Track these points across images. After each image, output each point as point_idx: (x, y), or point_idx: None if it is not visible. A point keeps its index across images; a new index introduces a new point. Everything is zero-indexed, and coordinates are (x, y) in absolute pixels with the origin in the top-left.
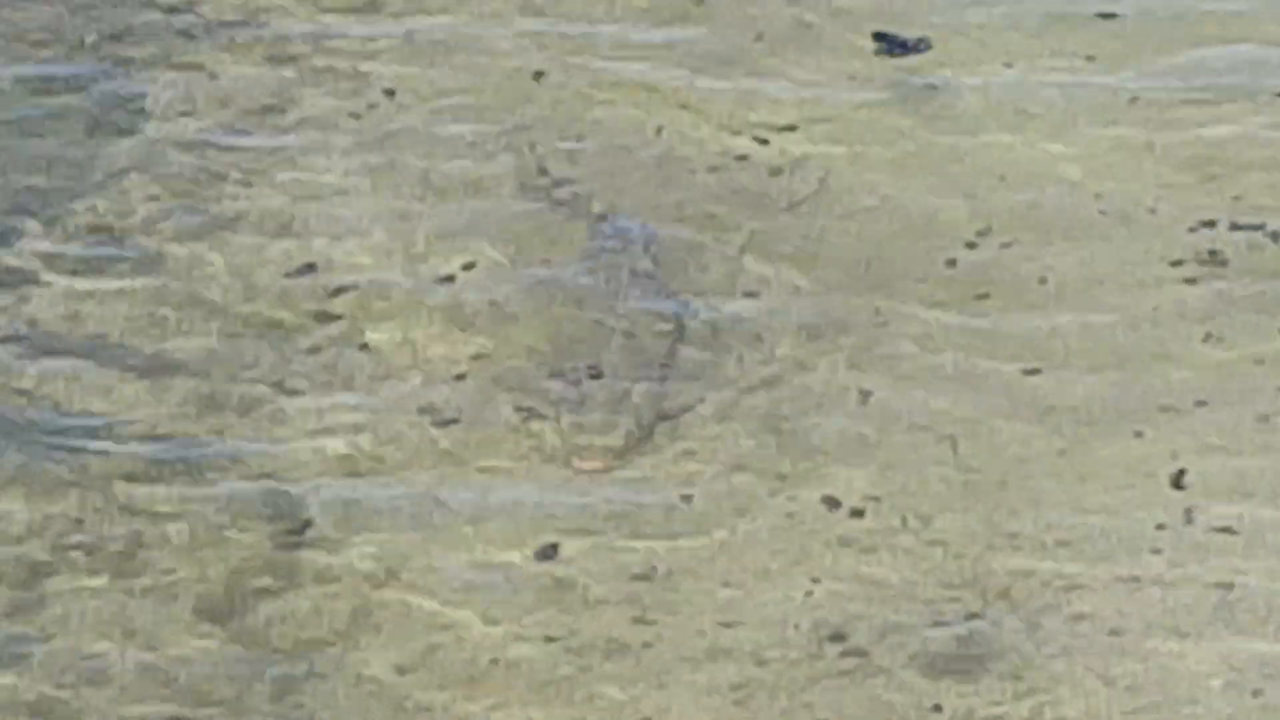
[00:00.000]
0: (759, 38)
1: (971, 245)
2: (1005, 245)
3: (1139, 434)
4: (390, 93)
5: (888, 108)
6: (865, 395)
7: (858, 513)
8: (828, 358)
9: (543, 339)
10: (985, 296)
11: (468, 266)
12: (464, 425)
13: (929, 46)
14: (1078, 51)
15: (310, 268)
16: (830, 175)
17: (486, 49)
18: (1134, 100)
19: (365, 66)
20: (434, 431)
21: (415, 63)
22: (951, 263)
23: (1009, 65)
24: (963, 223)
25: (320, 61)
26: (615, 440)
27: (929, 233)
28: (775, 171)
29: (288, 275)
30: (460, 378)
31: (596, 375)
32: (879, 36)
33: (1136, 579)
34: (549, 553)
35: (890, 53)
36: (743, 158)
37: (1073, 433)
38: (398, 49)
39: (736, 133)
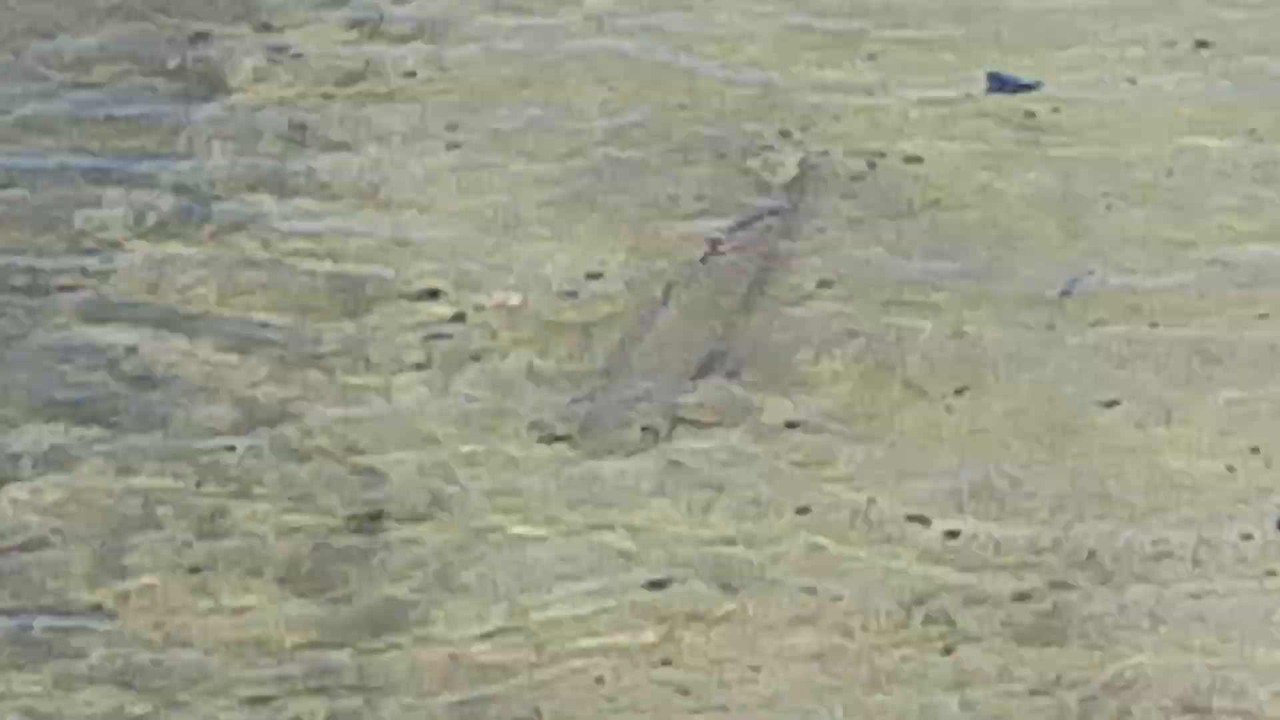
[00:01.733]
0: (870, 57)
1: (1072, 282)
2: (1106, 277)
3: (1231, 469)
4: (478, 62)
5: (1000, 137)
6: (960, 391)
7: (943, 486)
8: (918, 355)
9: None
10: (1098, 322)
11: (593, 275)
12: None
13: (1039, 86)
14: (1187, 86)
15: (400, 244)
16: (942, 195)
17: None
18: (1252, 132)
19: (451, 34)
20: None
21: (501, 33)
22: (1066, 292)
23: (1121, 104)
24: (1068, 250)
25: (402, 29)
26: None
27: (1032, 258)
28: (896, 183)
29: (377, 244)
30: (578, 401)
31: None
32: (992, 76)
33: (1220, 546)
34: (632, 523)
35: (1001, 90)
36: (873, 161)
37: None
38: (484, 15)
39: (853, 151)
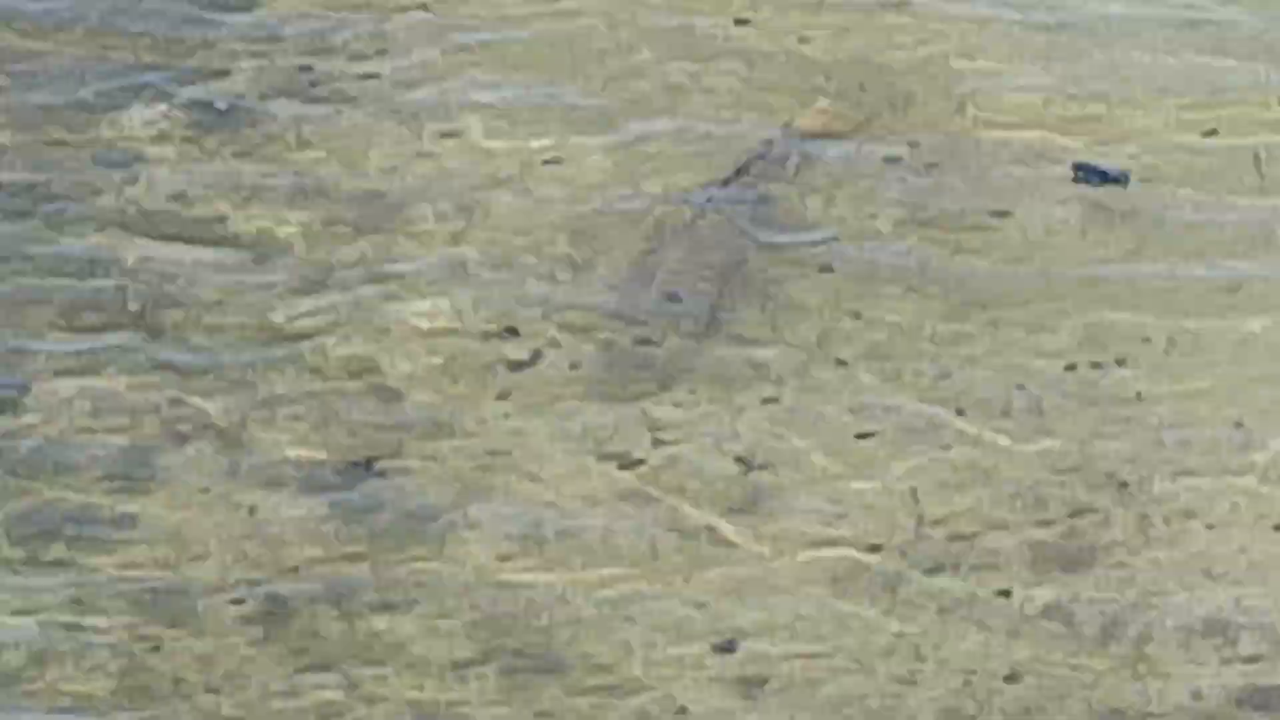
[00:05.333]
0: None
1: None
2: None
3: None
4: None
5: (1082, 226)
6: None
7: (962, 410)
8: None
9: None
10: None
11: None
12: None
13: (1128, 179)
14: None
15: (423, 159)
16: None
17: None
18: None
19: None
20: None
21: None
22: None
23: (1209, 196)
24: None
25: None
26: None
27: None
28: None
29: (400, 158)
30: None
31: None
32: (1079, 167)
33: (1242, 473)
34: (653, 442)
35: (1088, 182)
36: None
37: None
38: None
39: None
